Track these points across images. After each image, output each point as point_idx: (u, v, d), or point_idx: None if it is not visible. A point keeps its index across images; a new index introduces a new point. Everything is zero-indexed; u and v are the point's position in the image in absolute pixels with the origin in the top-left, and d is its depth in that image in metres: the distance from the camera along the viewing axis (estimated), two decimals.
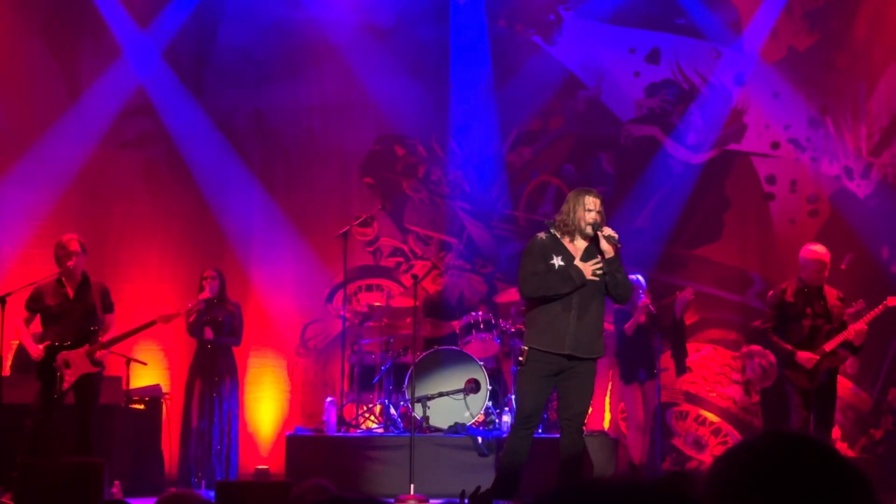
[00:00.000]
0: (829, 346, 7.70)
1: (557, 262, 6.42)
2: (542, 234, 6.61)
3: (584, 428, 6.68)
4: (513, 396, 8.41)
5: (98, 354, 7.79)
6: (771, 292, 9.36)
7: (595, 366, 6.60)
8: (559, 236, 6.54)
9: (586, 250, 6.50)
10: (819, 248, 7.89)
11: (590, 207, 6.47)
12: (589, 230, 6.46)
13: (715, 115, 10.94)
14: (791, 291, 7.86)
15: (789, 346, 7.74)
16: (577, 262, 6.42)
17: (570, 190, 10.78)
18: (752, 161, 10.95)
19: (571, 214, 6.51)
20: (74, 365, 7.69)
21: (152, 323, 8.22)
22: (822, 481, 1.44)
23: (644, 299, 9.00)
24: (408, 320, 9.49)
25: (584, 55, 11.05)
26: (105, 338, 7.88)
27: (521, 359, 6.55)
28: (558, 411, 7.13)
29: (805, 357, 7.65)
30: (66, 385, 7.68)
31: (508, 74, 10.99)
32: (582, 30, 11.02)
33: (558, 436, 6.63)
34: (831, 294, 7.88)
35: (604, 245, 6.44)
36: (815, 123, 10.84)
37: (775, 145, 10.93)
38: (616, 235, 6.45)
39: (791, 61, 10.90)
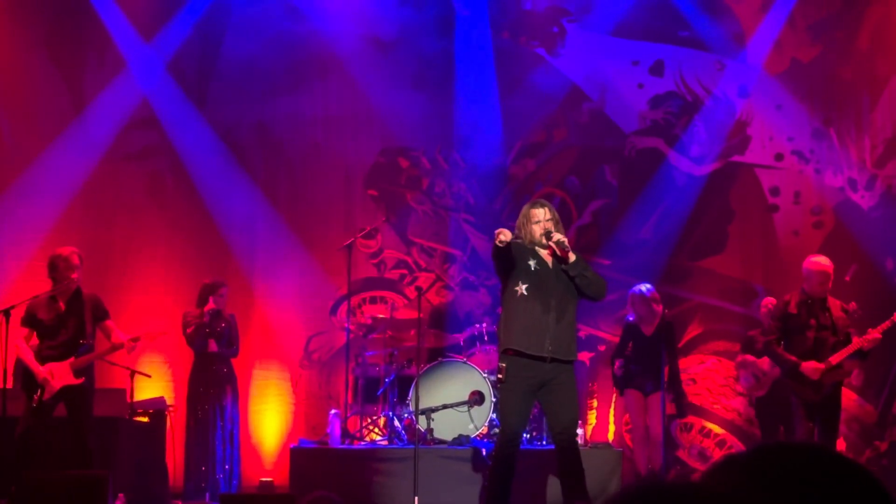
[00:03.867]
0: (835, 360, 7.66)
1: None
2: (518, 239, 6.65)
3: (577, 437, 6.69)
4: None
5: (114, 349, 7.78)
6: (767, 301, 9.38)
7: (573, 370, 6.59)
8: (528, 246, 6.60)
9: (553, 255, 6.55)
10: (823, 260, 7.86)
11: (537, 220, 6.55)
12: (543, 240, 6.52)
13: (718, 126, 10.93)
14: (794, 303, 7.82)
15: (794, 358, 7.71)
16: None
17: (574, 202, 10.80)
18: (755, 173, 10.94)
19: (523, 231, 6.59)
20: (57, 376, 7.67)
21: (136, 339, 8.13)
22: (814, 488, 1.41)
23: (661, 306, 9.02)
24: (412, 332, 9.48)
25: (588, 67, 11.05)
26: (103, 347, 7.87)
27: (500, 376, 6.48)
28: (548, 426, 7.10)
29: (811, 367, 7.61)
30: (46, 395, 7.65)
31: (512, 86, 10.99)
32: (585, 42, 11.03)
33: (546, 447, 6.64)
34: (835, 305, 7.85)
35: (559, 252, 6.50)
36: (819, 135, 10.83)
37: (779, 157, 10.92)
38: (565, 240, 6.49)
39: (794, 73, 10.90)
